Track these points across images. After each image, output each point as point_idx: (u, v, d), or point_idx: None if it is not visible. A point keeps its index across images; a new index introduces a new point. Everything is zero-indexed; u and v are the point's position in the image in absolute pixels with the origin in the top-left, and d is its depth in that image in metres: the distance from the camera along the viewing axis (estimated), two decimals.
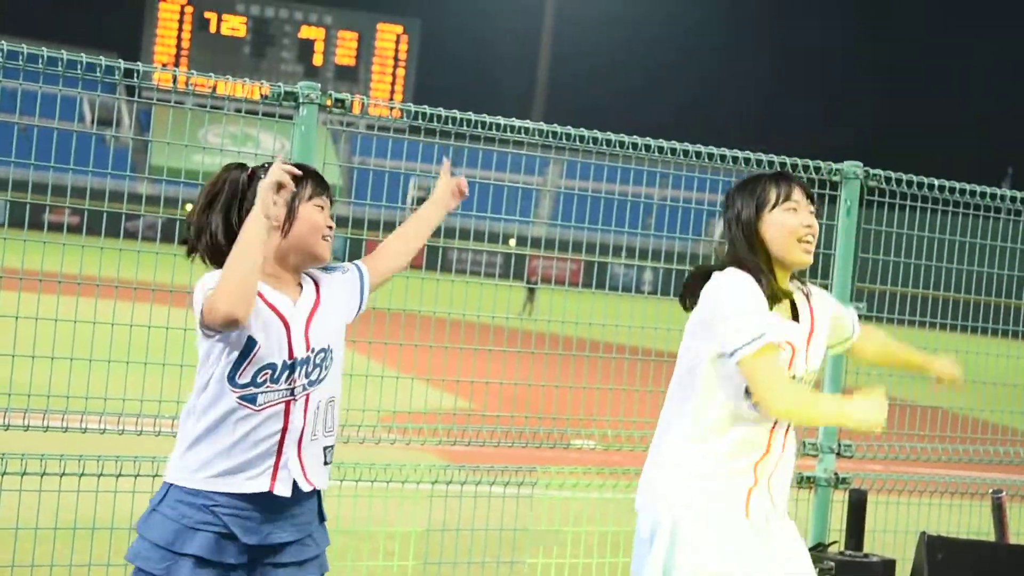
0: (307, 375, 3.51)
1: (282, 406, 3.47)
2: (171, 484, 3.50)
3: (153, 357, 5.15)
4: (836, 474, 6.40)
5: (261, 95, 5.25)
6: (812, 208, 3.90)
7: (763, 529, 3.82)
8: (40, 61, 4.82)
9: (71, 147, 5.22)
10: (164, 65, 66.09)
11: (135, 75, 5.03)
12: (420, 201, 4.44)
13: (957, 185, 6.80)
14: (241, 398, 3.44)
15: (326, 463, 3.59)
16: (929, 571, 5.29)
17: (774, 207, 3.85)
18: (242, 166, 3.64)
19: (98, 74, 4.95)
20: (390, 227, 6.67)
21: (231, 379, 3.44)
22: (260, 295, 3.46)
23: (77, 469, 5.01)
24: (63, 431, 5.00)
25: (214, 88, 5.22)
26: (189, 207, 3.71)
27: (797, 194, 3.87)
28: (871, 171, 6.49)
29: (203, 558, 3.41)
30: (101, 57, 4.95)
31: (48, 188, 5.11)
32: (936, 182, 6.78)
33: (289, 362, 3.47)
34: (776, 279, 3.86)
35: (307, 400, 3.51)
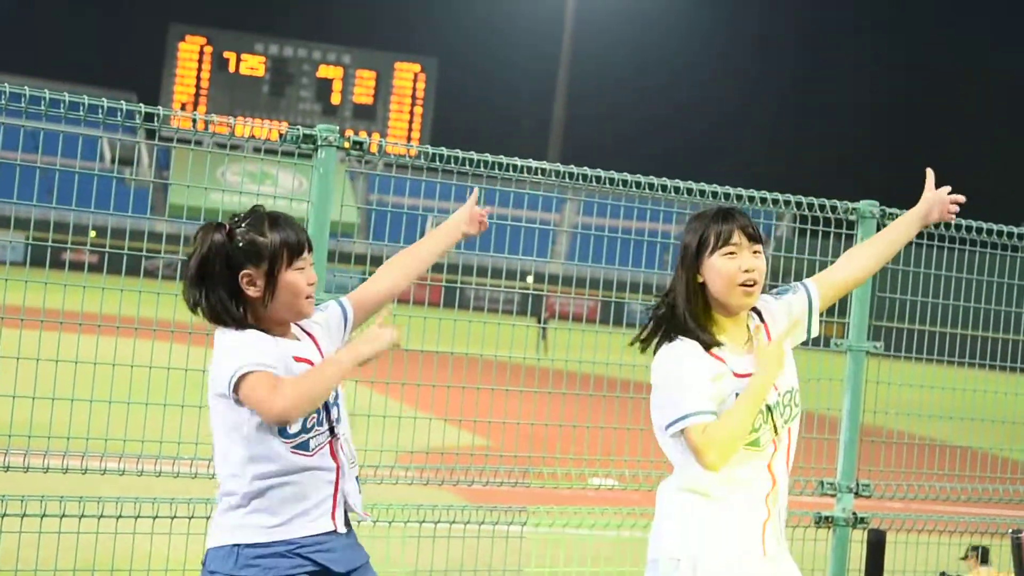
0: (337, 412, 3.67)
1: (328, 446, 3.61)
2: (237, 544, 3.50)
3: (172, 397, 5.17)
4: (855, 514, 6.37)
5: (279, 136, 5.28)
6: (755, 248, 3.86)
7: (777, 559, 3.83)
8: (62, 106, 4.87)
9: (92, 187, 5.26)
10: (183, 106, 66.55)
11: (155, 119, 5.05)
12: None
13: (974, 224, 6.80)
14: (295, 447, 3.53)
15: (359, 492, 3.74)
16: None
17: (712, 251, 3.83)
18: (219, 226, 3.63)
19: (119, 118, 4.99)
20: None
21: (282, 432, 3.51)
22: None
23: (96, 511, 5.02)
24: (82, 472, 5.01)
25: (232, 129, 5.25)
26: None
27: (737, 236, 3.82)
28: (887, 210, 6.49)
29: None
30: (122, 102, 5.00)
31: (69, 227, 5.15)
32: (952, 220, 6.76)
33: (327, 401, 3.60)
34: (716, 323, 3.86)
35: (338, 437, 3.66)
